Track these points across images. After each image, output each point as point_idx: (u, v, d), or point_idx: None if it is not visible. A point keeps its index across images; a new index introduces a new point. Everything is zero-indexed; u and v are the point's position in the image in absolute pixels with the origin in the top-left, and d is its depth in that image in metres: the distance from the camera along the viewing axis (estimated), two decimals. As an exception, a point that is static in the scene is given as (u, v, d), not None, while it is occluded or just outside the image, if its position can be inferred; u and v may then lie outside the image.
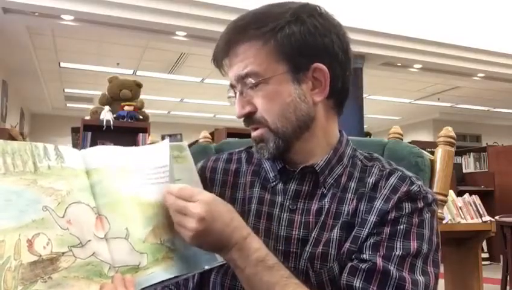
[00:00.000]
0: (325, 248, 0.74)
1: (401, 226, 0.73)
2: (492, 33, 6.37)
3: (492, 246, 5.77)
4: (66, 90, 8.96)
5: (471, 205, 3.44)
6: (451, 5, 6.03)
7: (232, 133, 4.31)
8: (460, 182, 6.16)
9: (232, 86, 0.82)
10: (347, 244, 0.74)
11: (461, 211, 3.35)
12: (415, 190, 0.76)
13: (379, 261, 0.70)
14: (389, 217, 0.74)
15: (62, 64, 7.31)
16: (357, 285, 0.69)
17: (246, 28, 0.77)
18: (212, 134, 4.16)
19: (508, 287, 3.97)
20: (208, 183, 0.86)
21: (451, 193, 3.34)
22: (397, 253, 0.71)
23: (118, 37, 5.77)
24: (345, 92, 0.82)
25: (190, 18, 4.95)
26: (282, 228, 0.78)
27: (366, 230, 0.74)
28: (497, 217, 3.83)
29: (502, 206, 5.68)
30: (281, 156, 0.81)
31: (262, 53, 0.76)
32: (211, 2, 4.86)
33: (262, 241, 0.77)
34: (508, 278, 3.95)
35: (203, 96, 9.24)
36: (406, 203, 0.75)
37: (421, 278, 0.70)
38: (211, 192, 0.76)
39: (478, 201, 3.47)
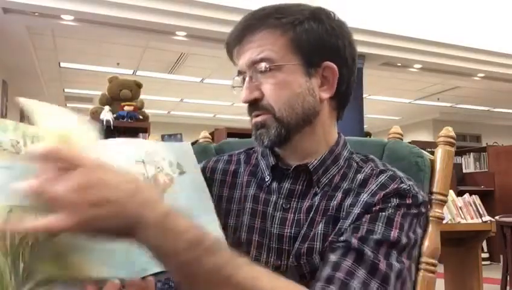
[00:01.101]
0: (311, 243, 0.76)
1: (385, 213, 0.73)
2: (492, 33, 6.37)
3: (492, 246, 5.77)
4: (66, 90, 8.96)
5: (471, 205, 3.44)
6: (451, 5, 6.04)
7: (232, 133, 4.31)
8: (460, 182, 6.16)
9: (240, 73, 0.82)
10: (331, 237, 0.75)
11: (461, 211, 3.35)
12: (404, 188, 0.76)
13: (354, 241, 0.69)
14: (374, 209, 0.74)
15: (62, 64, 7.31)
16: (332, 259, 0.69)
17: (267, 16, 0.79)
18: (212, 134, 4.16)
19: (508, 287, 3.97)
20: (207, 182, 0.87)
21: (451, 193, 3.34)
22: (374, 237, 0.70)
23: (118, 37, 5.77)
24: (347, 95, 0.85)
25: (190, 18, 4.95)
26: (275, 226, 0.80)
27: (349, 221, 0.74)
28: (497, 217, 3.84)
29: (502, 206, 5.69)
30: (279, 146, 0.82)
31: (279, 42, 0.78)
32: (211, 2, 4.85)
33: (257, 239, 0.79)
34: (508, 278, 3.95)
35: (203, 96, 9.25)
36: (394, 199, 0.75)
37: (396, 263, 0.69)
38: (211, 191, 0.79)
39: (478, 201, 3.48)
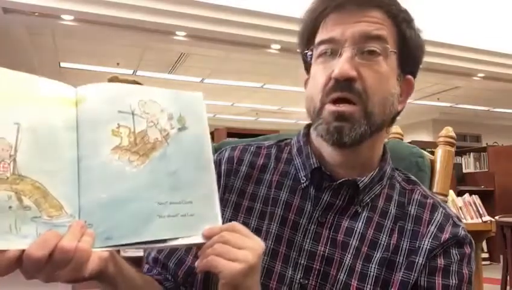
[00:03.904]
0: (361, 283, 0.70)
1: (453, 281, 0.70)
2: (492, 33, 6.37)
3: (492, 246, 5.77)
4: (66, 90, 8.97)
5: (471, 205, 3.44)
6: (451, 5, 6.03)
7: (232, 133, 4.31)
8: (460, 182, 6.16)
9: (329, 42, 0.70)
10: None
11: (461, 211, 3.35)
12: (462, 234, 0.73)
13: None
14: (438, 264, 0.71)
15: (62, 64, 7.30)
16: None
17: (388, 1, 0.72)
18: (212, 134, 4.16)
19: (508, 287, 3.96)
20: (232, 173, 0.81)
21: (451, 193, 3.34)
22: None
23: (118, 37, 5.76)
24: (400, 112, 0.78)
25: (190, 18, 4.95)
26: (308, 241, 0.73)
27: (415, 274, 0.70)
28: (497, 217, 3.83)
29: (502, 206, 5.69)
30: (351, 147, 0.70)
31: (393, 31, 0.71)
32: (211, 2, 4.85)
33: (284, 252, 0.73)
34: (508, 278, 3.94)
35: (203, 96, 9.23)
36: (454, 250, 0.72)
37: None
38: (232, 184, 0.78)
39: (478, 201, 3.48)
